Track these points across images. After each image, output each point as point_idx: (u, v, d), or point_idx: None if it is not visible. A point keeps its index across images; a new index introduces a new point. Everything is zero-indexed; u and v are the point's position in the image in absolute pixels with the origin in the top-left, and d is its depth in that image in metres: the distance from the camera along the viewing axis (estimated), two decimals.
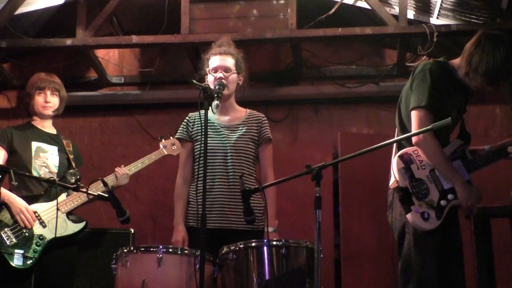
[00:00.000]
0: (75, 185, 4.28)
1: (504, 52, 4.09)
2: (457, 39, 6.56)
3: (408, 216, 4.00)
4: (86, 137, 7.47)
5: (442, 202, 4.03)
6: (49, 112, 5.18)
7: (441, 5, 6.47)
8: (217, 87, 4.46)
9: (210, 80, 4.67)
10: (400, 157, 4.13)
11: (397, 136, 4.32)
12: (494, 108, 7.00)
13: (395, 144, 4.24)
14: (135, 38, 6.70)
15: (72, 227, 4.94)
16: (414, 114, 4.13)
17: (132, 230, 6.11)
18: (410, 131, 4.12)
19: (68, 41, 6.65)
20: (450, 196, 4.05)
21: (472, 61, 4.11)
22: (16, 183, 4.71)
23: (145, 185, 7.21)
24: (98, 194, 4.15)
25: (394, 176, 4.10)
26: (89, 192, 4.20)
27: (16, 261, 4.68)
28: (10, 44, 6.71)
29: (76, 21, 6.68)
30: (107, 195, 4.05)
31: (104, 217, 6.71)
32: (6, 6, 6.69)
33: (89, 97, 7.48)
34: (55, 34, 7.00)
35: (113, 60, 7.63)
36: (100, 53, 7.46)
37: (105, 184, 4.18)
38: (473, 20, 6.46)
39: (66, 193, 4.99)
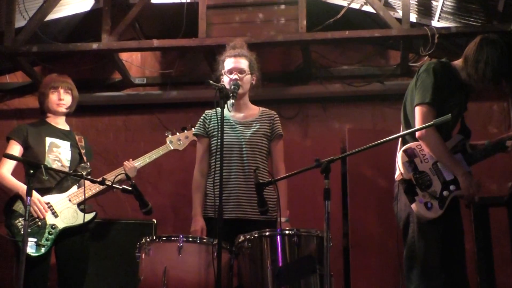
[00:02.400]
0: (101, 179, 4.29)
1: (506, 55, 4.09)
2: (456, 41, 6.52)
3: (413, 206, 4.00)
4: (112, 134, 7.48)
5: (445, 193, 4.03)
6: (63, 109, 5.20)
7: (441, 8, 6.43)
8: (232, 87, 4.46)
9: (225, 80, 4.67)
10: (405, 151, 4.12)
11: (402, 132, 4.31)
12: (492, 105, 6.96)
13: (400, 140, 4.24)
14: (156, 42, 6.69)
15: (83, 217, 4.95)
16: (418, 110, 4.13)
17: (155, 221, 6.10)
18: (414, 127, 4.11)
19: (94, 46, 6.64)
20: (452, 187, 4.04)
21: (479, 68, 4.10)
22: (47, 177, 4.77)
23: (166, 179, 7.21)
24: (123, 188, 4.15)
25: (399, 169, 4.10)
26: (114, 185, 4.20)
27: (30, 249, 4.72)
28: (41, 49, 6.71)
29: (101, 27, 6.67)
30: (130, 188, 4.06)
31: (129, 209, 6.71)
32: (37, 13, 6.71)
33: (114, 97, 7.49)
34: (82, 39, 7.01)
35: (136, 62, 7.63)
36: (124, 56, 7.47)
37: (128, 177, 4.19)
38: (471, 23, 6.42)
39: (77, 185, 5.01)
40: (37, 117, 7.03)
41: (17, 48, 6.62)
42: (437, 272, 4.00)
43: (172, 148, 5.44)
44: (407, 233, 4.13)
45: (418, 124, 4.08)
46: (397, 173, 4.15)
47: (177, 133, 5.44)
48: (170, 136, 5.46)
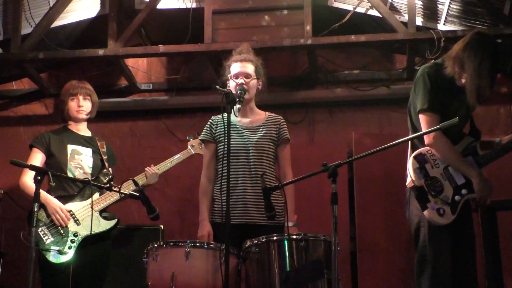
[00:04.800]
0: (108, 185, 4.31)
1: (486, 62, 4.04)
2: None
3: (425, 213, 3.98)
4: (118, 140, 7.48)
5: (457, 198, 4.01)
6: (83, 115, 5.21)
7: (447, 12, 6.43)
8: (238, 92, 4.46)
9: (231, 85, 4.67)
10: (415, 157, 4.10)
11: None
12: (498, 108, 6.95)
13: (409, 146, 4.22)
14: (162, 48, 6.71)
15: (105, 224, 4.96)
16: (421, 118, 4.13)
17: (162, 226, 6.11)
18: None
19: (100, 52, 6.67)
20: (463, 191, 4.02)
21: (481, 83, 4.04)
22: (54, 184, 4.76)
23: (173, 184, 7.21)
24: (130, 193, 4.17)
25: (410, 176, 4.07)
26: (121, 191, 4.21)
27: (52, 257, 4.72)
28: (47, 56, 6.74)
29: (107, 33, 6.70)
30: (138, 194, 4.07)
31: (136, 215, 6.72)
32: (43, 20, 6.74)
33: (120, 103, 7.50)
34: (88, 45, 7.03)
35: (142, 68, 7.65)
36: (130, 62, 7.49)
37: (136, 183, 4.20)
38: (477, 26, 6.42)
39: (99, 192, 5.01)
40: (44, 123, 7.10)
41: (23, 55, 6.65)
42: (448, 277, 3.97)
43: (193, 152, 5.44)
44: (419, 237, 4.11)
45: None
46: (408, 180, 4.13)
47: (199, 137, 5.40)
48: (191, 140, 5.45)
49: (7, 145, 7.38)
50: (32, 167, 4.33)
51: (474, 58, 4.04)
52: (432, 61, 6.33)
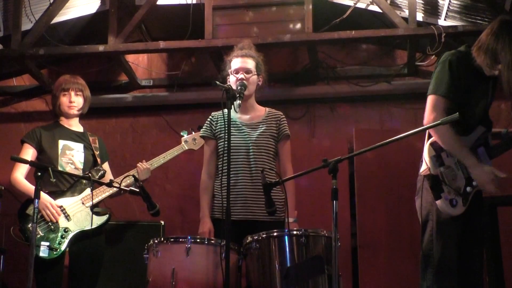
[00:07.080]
0: (109, 181, 4.29)
1: None
2: (464, 39, 6.51)
3: (438, 202, 3.91)
4: (119, 136, 7.49)
5: (468, 189, 3.95)
6: (74, 111, 5.16)
7: (448, 7, 6.43)
8: (238, 87, 4.45)
9: (232, 80, 4.66)
10: (431, 144, 4.03)
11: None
12: (499, 104, 6.94)
13: (427, 133, 4.14)
14: (162, 44, 6.71)
15: (96, 220, 4.92)
16: (429, 99, 4.02)
17: (162, 222, 6.11)
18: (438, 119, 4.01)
19: (101, 48, 6.67)
20: (474, 183, 3.97)
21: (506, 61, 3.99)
22: (54, 180, 4.75)
23: (174, 180, 7.22)
24: (130, 189, 4.15)
25: (426, 163, 4.02)
26: (122, 187, 4.20)
27: (42, 253, 4.70)
28: (48, 52, 6.74)
29: (107, 29, 6.70)
30: (138, 190, 4.07)
31: (136, 211, 6.73)
32: (43, 16, 6.74)
33: (121, 99, 7.51)
34: (88, 41, 7.03)
35: (143, 64, 7.66)
36: (130, 58, 7.49)
37: (136, 179, 4.18)
38: (478, 21, 6.41)
39: (90, 188, 4.99)
40: (44, 119, 7.09)
41: (24, 51, 6.65)
42: (452, 274, 3.93)
43: (187, 148, 5.42)
44: (425, 230, 4.07)
45: (426, 112, 3.99)
46: (423, 167, 4.04)
47: (193, 132, 5.40)
48: (185, 135, 5.44)
49: (7, 141, 7.38)
50: (33, 164, 4.32)
51: (510, 48, 3.99)
52: (433, 57, 6.39)
